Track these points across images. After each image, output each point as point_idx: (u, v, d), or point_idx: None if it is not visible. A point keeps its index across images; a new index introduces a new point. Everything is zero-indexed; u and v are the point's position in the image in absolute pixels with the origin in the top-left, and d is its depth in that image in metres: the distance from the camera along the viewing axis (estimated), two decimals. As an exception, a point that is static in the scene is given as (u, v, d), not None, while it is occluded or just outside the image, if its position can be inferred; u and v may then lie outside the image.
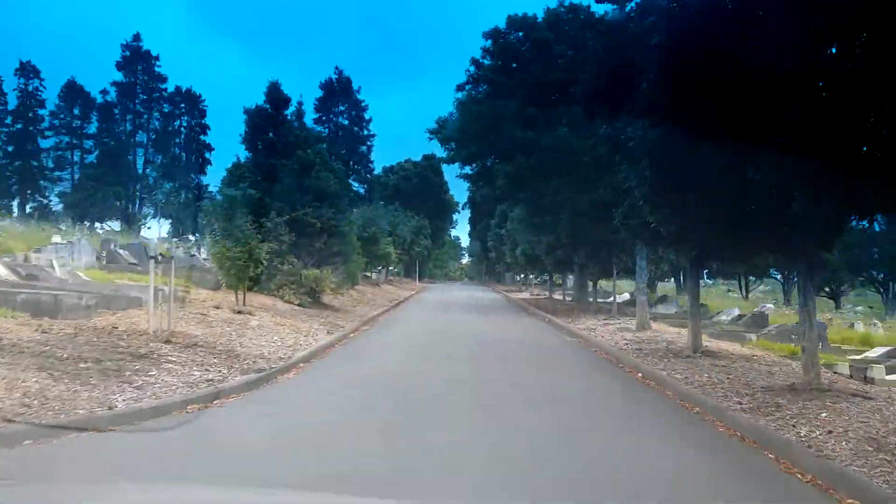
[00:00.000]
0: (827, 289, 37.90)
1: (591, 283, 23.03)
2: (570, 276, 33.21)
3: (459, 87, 22.92)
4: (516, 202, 23.19)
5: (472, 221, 69.60)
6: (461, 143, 22.33)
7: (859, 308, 41.18)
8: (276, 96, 20.22)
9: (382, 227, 32.06)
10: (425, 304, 25.07)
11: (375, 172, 61.91)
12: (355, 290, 25.12)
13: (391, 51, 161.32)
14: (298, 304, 16.47)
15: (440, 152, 23.11)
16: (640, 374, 9.44)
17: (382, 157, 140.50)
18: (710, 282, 58.96)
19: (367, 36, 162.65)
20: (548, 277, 38.79)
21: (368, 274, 37.69)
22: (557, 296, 32.72)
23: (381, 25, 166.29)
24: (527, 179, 20.20)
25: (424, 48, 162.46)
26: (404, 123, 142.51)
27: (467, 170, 23.91)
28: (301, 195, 18.05)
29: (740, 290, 44.99)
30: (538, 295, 35.47)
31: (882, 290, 39.99)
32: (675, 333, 14.47)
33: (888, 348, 11.16)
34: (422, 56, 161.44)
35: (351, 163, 52.70)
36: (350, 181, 52.09)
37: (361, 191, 51.46)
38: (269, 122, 20.12)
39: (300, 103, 20.57)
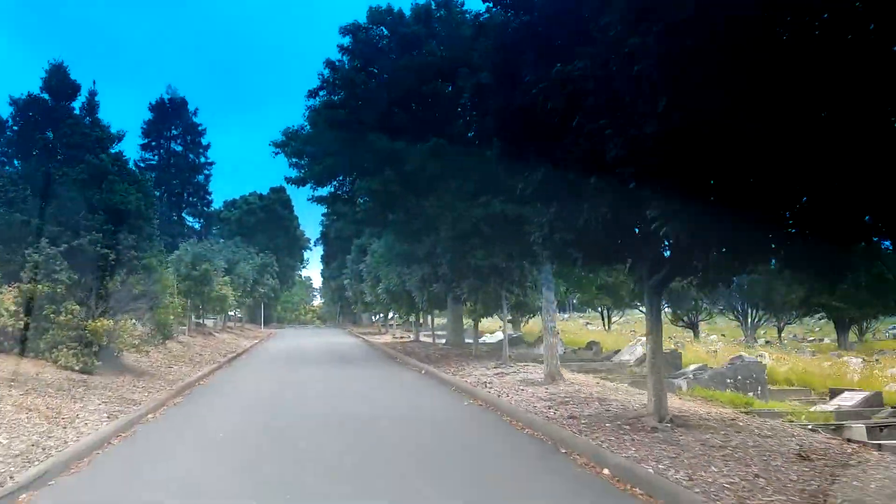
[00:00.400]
0: (685, 318, 38.43)
1: (467, 323, 19.87)
2: (436, 315, 30.37)
3: (311, 94, 18.97)
4: (383, 228, 19.44)
5: (324, 259, 64.60)
6: (314, 157, 18.30)
7: (712, 336, 42.47)
8: (59, 83, 14.92)
9: (217, 264, 26.69)
10: (270, 359, 20.13)
11: (215, 206, 55.18)
12: (179, 343, 19.74)
13: (231, 78, 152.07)
14: (80, 370, 11.35)
15: (288, 171, 18.65)
16: (605, 471, 6.00)
17: (224, 192, 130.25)
18: (566, 315, 59.35)
19: (203, 61, 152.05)
20: (412, 318, 35.54)
21: (201, 321, 31.80)
22: (425, 337, 29.29)
23: (220, 52, 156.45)
24: (396, 196, 16.69)
25: (266, 77, 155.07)
26: (248, 157, 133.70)
27: (322, 191, 19.80)
28: (89, 215, 12.89)
29: (603, 321, 44.74)
30: (402, 338, 31.79)
31: (741, 319, 41.50)
32: (596, 385, 11.52)
33: (862, 394, 8.87)
34: (265, 86, 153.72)
35: (185, 194, 45.87)
36: (184, 214, 45.38)
37: (197, 226, 44.82)
38: (47, 116, 14.73)
39: (93, 92, 15.25)
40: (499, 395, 10.73)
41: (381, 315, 51.56)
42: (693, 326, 39.89)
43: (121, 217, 11.94)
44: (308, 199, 19.57)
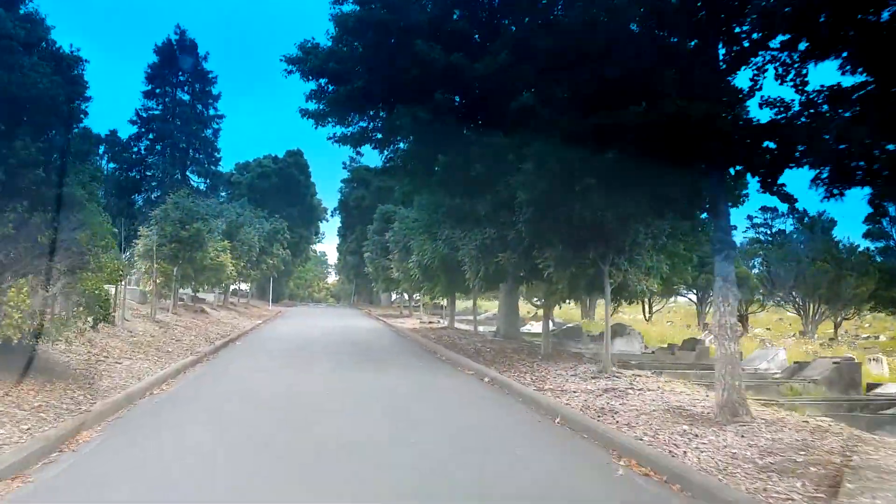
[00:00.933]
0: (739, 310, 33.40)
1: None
2: (459, 298, 25.59)
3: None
4: (427, 178, 14.37)
5: (342, 232, 59.92)
6: (339, 78, 13.30)
7: (756, 329, 37.79)
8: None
9: (214, 224, 22.02)
10: (268, 351, 15.08)
11: (224, 168, 50.59)
12: (155, 324, 15.15)
13: (246, 35, 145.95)
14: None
15: (303, 103, 13.49)
16: None
17: (233, 158, 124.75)
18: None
19: (217, 12, 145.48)
20: (446, 300, 30.90)
21: (196, 294, 27.32)
22: (461, 324, 24.50)
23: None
24: (450, 130, 11.81)
25: (284, 35, 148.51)
26: (262, 123, 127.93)
27: (344, 130, 14.74)
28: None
29: (644, 310, 39.63)
30: (431, 323, 27.02)
31: (801, 312, 36.44)
32: (807, 428, 6.64)
33: None
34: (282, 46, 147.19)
35: (190, 150, 41.03)
36: (188, 173, 40.76)
37: (202, 187, 40.09)
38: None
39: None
40: (672, 453, 5.85)
41: (403, 295, 47.18)
42: (743, 319, 34.98)
43: (19, 109, 7.09)
44: (329, 139, 14.50)
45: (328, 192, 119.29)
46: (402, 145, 14.14)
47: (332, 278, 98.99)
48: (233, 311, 27.58)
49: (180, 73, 39.98)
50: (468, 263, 14.21)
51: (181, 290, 26.13)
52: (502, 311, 18.62)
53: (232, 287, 56.86)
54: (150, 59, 39.90)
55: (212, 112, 41.12)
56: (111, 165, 36.60)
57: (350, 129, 14.60)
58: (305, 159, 51.81)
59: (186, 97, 40.55)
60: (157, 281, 17.83)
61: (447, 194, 14.23)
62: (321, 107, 13.97)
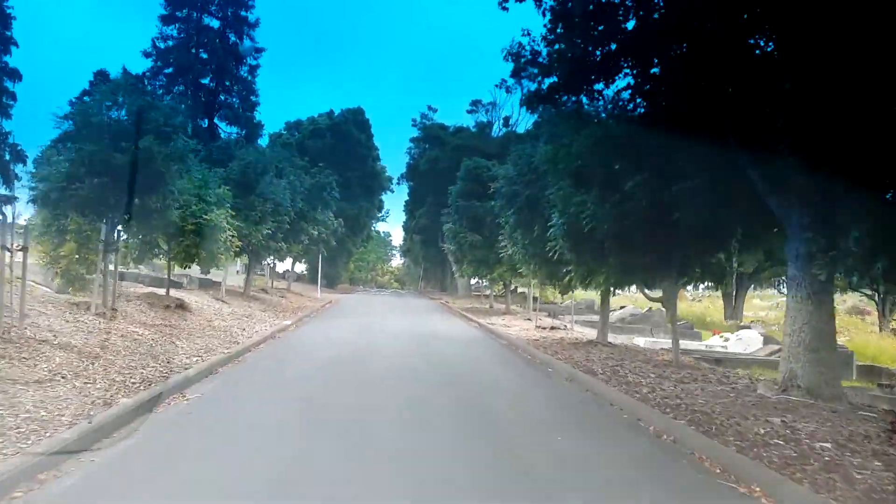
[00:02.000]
0: None
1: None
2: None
3: None
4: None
5: (408, 208, 50.71)
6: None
7: None
8: None
9: (209, 170, 13.00)
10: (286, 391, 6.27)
11: (273, 129, 42.25)
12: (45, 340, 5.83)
13: None
14: None
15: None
16: None
17: (282, 114, 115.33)
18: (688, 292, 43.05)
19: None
20: (554, 292, 21.26)
21: (208, 275, 18.83)
22: (582, 327, 14.61)
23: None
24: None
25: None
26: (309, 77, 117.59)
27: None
28: None
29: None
30: (554, 328, 17.15)
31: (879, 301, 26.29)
32: None
33: None
34: None
35: (219, 90, 32.29)
36: (216, 121, 32.21)
37: (233, 135, 31.41)
38: None
39: None
40: None
41: (482, 281, 37.51)
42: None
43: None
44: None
45: (392, 152, 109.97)
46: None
47: (397, 261, 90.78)
48: (255, 301, 18.64)
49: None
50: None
51: (184, 270, 17.57)
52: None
53: (282, 267, 48.83)
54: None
55: (248, 44, 32.17)
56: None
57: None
58: (366, 117, 42.72)
59: (215, 23, 31.76)
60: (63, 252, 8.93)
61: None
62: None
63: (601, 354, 11.39)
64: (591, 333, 14.85)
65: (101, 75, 20.29)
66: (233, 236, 13.78)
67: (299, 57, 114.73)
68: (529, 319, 19.64)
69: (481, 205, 23.04)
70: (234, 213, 14.32)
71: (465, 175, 23.80)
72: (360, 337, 13.96)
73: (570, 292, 17.69)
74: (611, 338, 13.82)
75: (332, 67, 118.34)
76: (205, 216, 11.91)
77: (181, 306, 12.32)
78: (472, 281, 44.87)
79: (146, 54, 30.93)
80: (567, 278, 12.31)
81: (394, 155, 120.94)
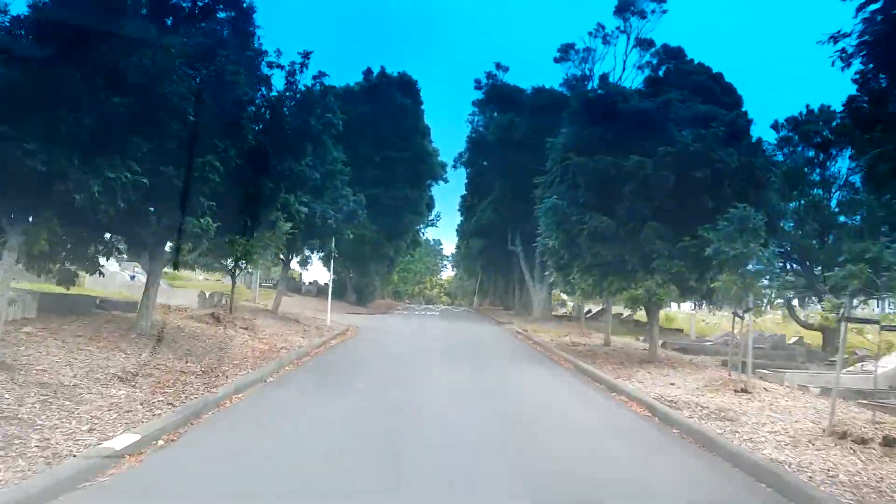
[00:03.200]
0: None
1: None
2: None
3: None
4: None
5: (465, 203, 40.18)
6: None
7: None
8: None
9: None
10: None
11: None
12: None
13: None
14: None
15: None
16: None
17: None
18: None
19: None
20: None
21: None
22: None
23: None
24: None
25: None
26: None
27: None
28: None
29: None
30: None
31: None
32: None
33: None
34: None
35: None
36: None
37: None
38: None
39: None
40: None
41: (566, 300, 26.16)
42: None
43: None
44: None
45: (444, 127, 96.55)
46: None
47: (448, 273, 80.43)
48: (172, 344, 8.48)
49: None
50: None
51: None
52: None
53: (308, 277, 38.92)
54: None
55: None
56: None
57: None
58: (413, 78, 32.53)
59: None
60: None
61: None
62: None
63: None
64: None
65: None
66: None
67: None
68: (745, 390, 8.70)
69: (615, 163, 12.39)
70: None
71: (584, 109, 13.26)
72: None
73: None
74: None
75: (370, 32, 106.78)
76: None
77: None
78: (566, 299, 33.95)
79: None
80: None
81: (444, 141, 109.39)
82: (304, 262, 28.18)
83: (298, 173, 11.37)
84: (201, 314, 13.18)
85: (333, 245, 17.32)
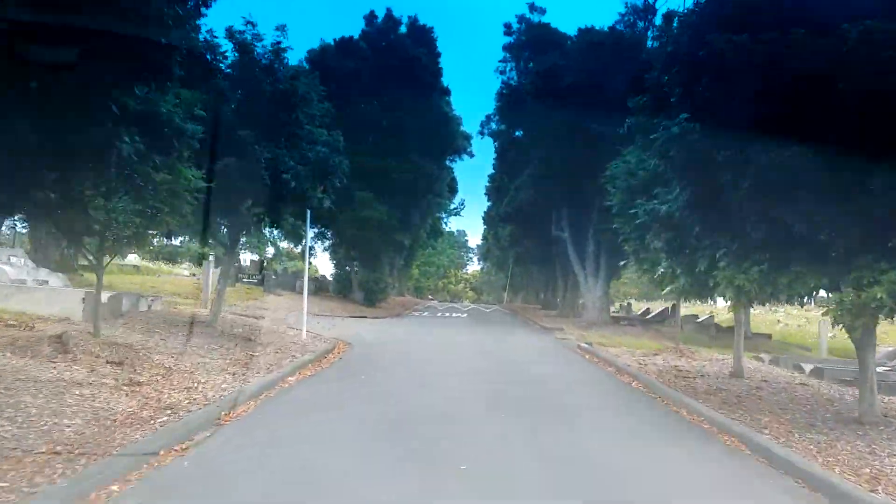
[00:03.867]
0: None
1: None
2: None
3: None
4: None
5: (494, 183, 34.19)
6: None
7: None
8: None
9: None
10: None
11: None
12: None
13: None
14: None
15: None
16: None
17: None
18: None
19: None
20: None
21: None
22: None
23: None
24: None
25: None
26: None
27: None
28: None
29: None
30: None
31: None
32: None
33: None
34: None
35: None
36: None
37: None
38: None
39: None
40: None
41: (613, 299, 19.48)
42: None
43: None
44: None
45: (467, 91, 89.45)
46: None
47: (474, 266, 74.36)
48: None
49: None
50: None
51: None
52: None
53: (325, 269, 33.36)
54: None
55: None
56: None
57: None
58: (428, 25, 26.49)
59: None
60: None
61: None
62: None
63: None
64: None
65: None
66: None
67: None
68: None
69: (811, 43, 6.26)
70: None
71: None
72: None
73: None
74: None
75: None
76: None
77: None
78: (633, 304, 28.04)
79: None
80: None
81: (465, 110, 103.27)
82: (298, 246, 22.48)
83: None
84: (51, 335, 7.47)
85: (308, 218, 11.48)
